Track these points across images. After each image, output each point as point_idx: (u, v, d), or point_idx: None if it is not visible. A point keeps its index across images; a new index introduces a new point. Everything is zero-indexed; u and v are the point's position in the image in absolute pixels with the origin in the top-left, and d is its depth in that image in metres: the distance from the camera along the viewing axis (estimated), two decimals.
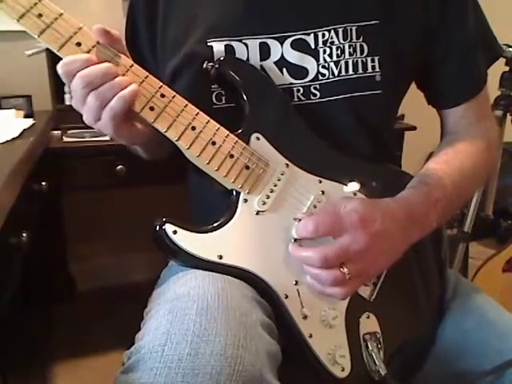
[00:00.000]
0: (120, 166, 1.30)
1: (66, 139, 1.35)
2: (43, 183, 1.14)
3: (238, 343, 0.45)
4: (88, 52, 0.54)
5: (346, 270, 0.54)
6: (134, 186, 1.54)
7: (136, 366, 0.45)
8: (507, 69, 1.36)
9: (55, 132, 1.38)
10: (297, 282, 0.58)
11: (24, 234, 0.89)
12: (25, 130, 1.06)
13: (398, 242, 0.59)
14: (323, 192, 0.62)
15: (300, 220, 0.58)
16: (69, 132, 1.37)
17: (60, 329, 1.53)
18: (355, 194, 0.63)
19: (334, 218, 0.56)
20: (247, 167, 0.59)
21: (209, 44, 0.64)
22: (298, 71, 0.65)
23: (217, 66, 0.61)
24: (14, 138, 0.98)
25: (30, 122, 1.16)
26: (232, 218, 0.58)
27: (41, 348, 1.41)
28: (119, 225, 1.74)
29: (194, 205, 0.78)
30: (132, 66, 0.56)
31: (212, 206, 0.61)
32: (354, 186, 0.63)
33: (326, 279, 0.55)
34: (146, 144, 0.67)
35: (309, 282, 0.57)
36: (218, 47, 0.64)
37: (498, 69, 1.02)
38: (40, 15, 0.53)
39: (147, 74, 0.56)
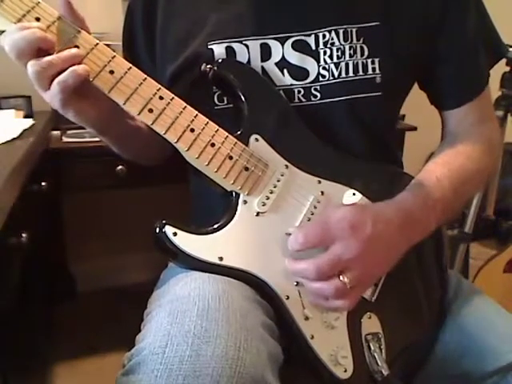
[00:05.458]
0: (120, 167, 1.30)
1: (65, 139, 1.35)
2: (43, 183, 1.14)
3: (239, 345, 0.45)
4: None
5: (345, 279, 0.54)
6: (134, 187, 1.53)
7: (137, 368, 0.45)
8: (508, 69, 1.36)
9: (55, 132, 1.37)
10: (298, 283, 0.58)
11: (24, 234, 0.89)
12: (25, 130, 1.06)
13: (394, 245, 0.59)
14: (322, 192, 0.62)
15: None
16: (69, 132, 1.36)
17: (60, 329, 1.53)
18: (354, 194, 0.63)
19: (324, 227, 0.56)
20: (246, 168, 0.59)
21: (209, 47, 0.64)
22: (299, 72, 0.65)
23: (215, 68, 0.62)
24: (13, 139, 0.97)
25: (29, 122, 1.16)
26: (232, 219, 0.58)
27: (41, 348, 1.41)
28: (119, 225, 1.74)
29: (195, 206, 0.78)
30: (130, 68, 0.56)
31: (212, 208, 0.61)
32: (354, 199, 0.62)
33: (329, 291, 0.55)
34: (105, 131, 0.67)
35: (311, 300, 0.57)
36: (219, 50, 0.64)
37: (498, 69, 1.02)
38: (38, 19, 0.54)
39: (145, 76, 0.57)
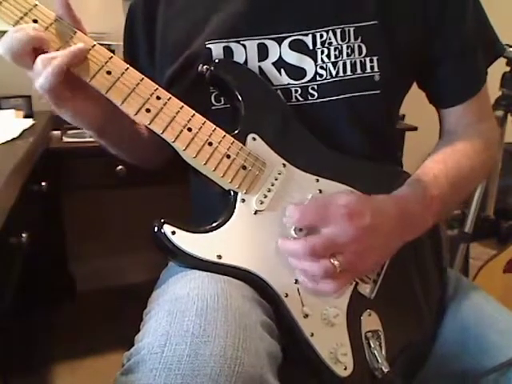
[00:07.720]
0: (120, 167, 1.30)
1: (65, 139, 1.35)
2: (43, 183, 1.14)
3: (238, 344, 0.45)
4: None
5: (336, 261, 0.54)
6: (134, 187, 1.54)
7: (136, 368, 0.45)
8: (508, 69, 1.36)
9: (55, 132, 1.38)
10: (297, 280, 0.58)
11: (24, 234, 0.89)
12: (25, 130, 1.06)
13: (390, 238, 0.59)
14: (320, 191, 0.62)
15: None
16: (69, 132, 1.37)
17: (60, 329, 1.53)
18: (352, 193, 0.63)
19: (322, 207, 0.56)
20: (244, 167, 0.59)
21: (207, 46, 0.65)
22: (296, 72, 0.65)
23: (211, 68, 0.62)
24: (14, 139, 0.97)
25: (29, 122, 1.16)
26: (230, 217, 0.58)
27: (41, 348, 1.42)
28: (119, 225, 1.74)
29: (195, 205, 0.78)
30: (127, 68, 0.56)
31: (211, 207, 0.61)
32: None
33: (318, 271, 0.55)
34: (105, 135, 0.67)
35: (300, 279, 0.57)
36: (217, 49, 0.64)
37: (498, 69, 1.02)
38: (35, 21, 0.54)
39: (142, 76, 0.57)
